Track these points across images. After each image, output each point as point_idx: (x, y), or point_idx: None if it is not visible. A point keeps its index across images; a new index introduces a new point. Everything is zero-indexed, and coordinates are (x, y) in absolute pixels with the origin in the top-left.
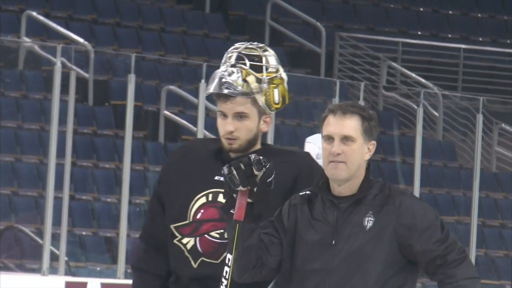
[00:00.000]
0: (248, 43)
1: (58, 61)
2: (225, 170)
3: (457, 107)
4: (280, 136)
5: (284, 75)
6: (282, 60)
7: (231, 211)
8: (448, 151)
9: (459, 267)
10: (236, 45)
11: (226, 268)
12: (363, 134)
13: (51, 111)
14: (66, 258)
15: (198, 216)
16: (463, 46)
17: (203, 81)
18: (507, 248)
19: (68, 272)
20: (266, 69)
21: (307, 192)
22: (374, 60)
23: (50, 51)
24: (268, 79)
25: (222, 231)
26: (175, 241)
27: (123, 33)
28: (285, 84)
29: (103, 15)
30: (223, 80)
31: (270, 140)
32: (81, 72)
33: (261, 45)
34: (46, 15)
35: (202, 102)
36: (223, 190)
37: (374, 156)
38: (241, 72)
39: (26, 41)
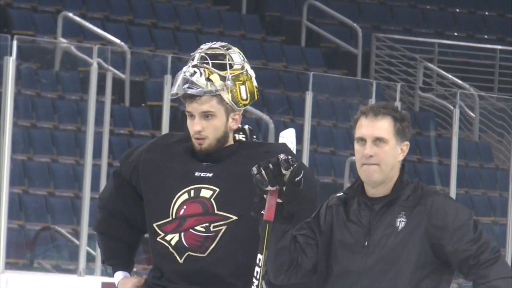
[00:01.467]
0: (212, 43)
1: (94, 62)
2: (254, 170)
3: (493, 108)
4: (316, 137)
5: (251, 72)
6: (318, 61)
7: (262, 212)
8: (484, 152)
9: (492, 267)
10: (201, 46)
11: (257, 268)
12: (396, 135)
13: (87, 112)
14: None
15: (181, 212)
16: (499, 47)
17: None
18: None
19: (105, 273)
20: (230, 67)
21: (344, 194)
22: (410, 61)
23: (87, 52)
24: (233, 76)
25: (207, 224)
26: (158, 239)
27: (159, 34)
28: (253, 80)
29: (139, 16)
30: (186, 80)
31: (306, 141)
32: (118, 73)
33: (224, 43)
34: (83, 16)
35: (167, 99)
36: (204, 186)
37: (410, 157)
38: (204, 71)
39: (63, 42)
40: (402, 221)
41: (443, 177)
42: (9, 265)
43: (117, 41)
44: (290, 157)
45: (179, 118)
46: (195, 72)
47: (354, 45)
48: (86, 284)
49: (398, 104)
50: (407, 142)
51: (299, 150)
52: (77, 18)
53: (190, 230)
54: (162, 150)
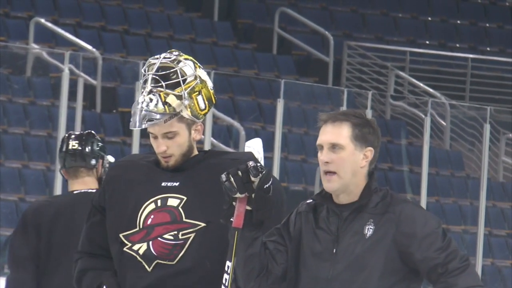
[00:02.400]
0: (162, 57)
1: (66, 68)
2: (223, 177)
3: (464, 117)
4: (287, 144)
5: (204, 76)
6: (290, 69)
7: (231, 219)
8: (455, 161)
9: (461, 276)
10: (150, 61)
11: (226, 276)
12: (354, 140)
13: (58, 117)
14: None
15: (149, 221)
16: (471, 56)
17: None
18: None
19: None
20: (184, 82)
21: (313, 201)
22: (382, 69)
23: (58, 58)
24: (189, 90)
25: (175, 232)
26: (125, 249)
27: (131, 40)
28: (208, 84)
29: (111, 22)
30: (143, 113)
31: (277, 148)
32: (89, 79)
33: (174, 56)
34: (55, 22)
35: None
36: (171, 195)
37: (381, 165)
38: (160, 95)
39: (34, 47)
40: (370, 228)
41: (414, 185)
42: None
43: (89, 47)
44: (259, 164)
45: None
46: (151, 100)
47: (326, 53)
48: None
49: (369, 112)
50: (371, 148)
51: (270, 158)
52: (49, 24)
53: (159, 238)
54: (126, 165)
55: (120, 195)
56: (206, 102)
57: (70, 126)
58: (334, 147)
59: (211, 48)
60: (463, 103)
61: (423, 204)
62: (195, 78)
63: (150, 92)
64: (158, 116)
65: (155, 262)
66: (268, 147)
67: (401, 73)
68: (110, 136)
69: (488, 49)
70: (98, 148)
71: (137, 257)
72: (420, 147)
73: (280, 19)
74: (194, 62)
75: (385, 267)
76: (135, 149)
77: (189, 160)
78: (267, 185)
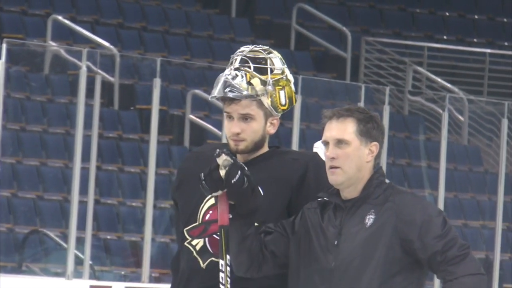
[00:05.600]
0: (253, 46)
1: (83, 65)
2: (201, 177)
3: (482, 112)
4: (305, 141)
5: (290, 77)
6: (308, 64)
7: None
8: (473, 156)
9: (460, 264)
10: (241, 48)
11: (221, 274)
12: (359, 136)
13: (76, 115)
14: (90, 262)
15: (207, 217)
16: (488, 50)
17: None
18: None
19: (93, 276)
20: (271, 71)
21: (320, 198)
22: (399, 64)
23: (76, 55)
24: (273, 81)
25: None
26: (185, 243)
27: (149, 37)
28: (292, 86)
29: (129, 19)
30: (228, 83)
31: (295, 144)
32: (107, 76)
33: (265, 47)
34: (72, 19)
35: (156, 102)
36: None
37: (399, 161)
38: (246, 75)
39: (52, 45)
40: (371, 217)
41: (432, 181)
42: None
43: (107, 44)
44: (225, 158)
45: (168, 121)
46: (236, 75)
47: (344, 49)
48: (74, 287)
49: (387, 107)
50: (376, 143)
51: None
52: (67, 21)
53: (214, 235)
54: (197, 157)
55: (187, 188)
56: (287, 100)
57: (88, 123)
58: (340, 142)
59: (229, 45)
60: (481, 98)
61: (441, 199)
62: (282, 72)
63: (238, 69)
64: (239, 92)
65: (210, 259)
66: (285, 143)
67: (419, 68)
68: (127, 133)
69: (506, 43)
70: None
71: (194, 252)
72: (438, 143)
73: (297, 15)
74: (282, 60)
75: (386, 256)
76: (153, 146)
77: (257, 157)
78: (234, 180)
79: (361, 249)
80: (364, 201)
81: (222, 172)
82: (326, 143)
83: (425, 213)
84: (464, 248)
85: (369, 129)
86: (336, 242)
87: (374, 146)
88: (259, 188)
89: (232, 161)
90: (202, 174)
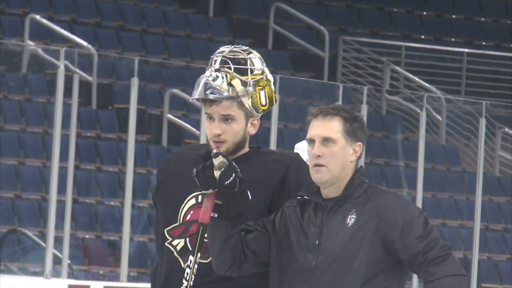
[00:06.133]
0: (233, 46)
1: (61, 65)
2: (193, 172)
3: (460, 111)
4: (283, 140)
5: (270, 77)
6: (285, 64)
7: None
8: (451, 155)
9: (441, 265)
10: (221, 48)
11: (187, 270)
12: (345, 135)
13: (54, 114)
14: (69, 261)
15: (188, 217)
16: (466, 50)
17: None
18: (510, 252)
19: (71, 276)
20: (251, 72)
21: (301, 197)
22: (377, 64)
23: (54, 55)
24: (254, 81)
25: None
26: (166, 243)
27: (126, 36)
28: (272, 86)
29: (106, 18)
30: (208, 85)
31: (273, 144)
32: (85, 75)
33: (245, 47)
34: (50, 19)
35: (134, 101)
36: None
37: (377, 160)
38: (226, 76)
39: (30, 44)
40: (352, 217)
41: (410, 180)
42: None
43: (84, 43)
44: (223, 157)
45: (146, 120)
46: (217, 77)
47: (321, 48)
48: (52, 287)
49: (365, 107)
50: (360, 143)
51: None
52: (44, 21)
53: (195, 235)
54: (177, 158)
55: (167, 188)
56: (267, 100)
57: (65, 123)
58: (326, 141)
59: (207, 44)
60: (458, 97)
61: (419, 198)
62: (262, 73)
63: (218, 70)
64: (220, 94)
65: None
66: (263, 142)
67: (397, 67)
68: (106, 132)
69: (484, 43)
70: None
71: (174, 252)
72: (416, 142)
73: (275, 14)
74: (262, 60)
75: (368, 256)
76: (131, 146)
77: (238, 158)
78: (228, 182)
79: (343, 248)
80: (346, 200)
81: (216, 173)
82: (311, 141)
83: (407, 214)
84: (446, 248)
85: (354, 129)
86: (317, 242)
87: (358, 146)
88: (248, 192)
89: (227, 163)
90: (195, 169)
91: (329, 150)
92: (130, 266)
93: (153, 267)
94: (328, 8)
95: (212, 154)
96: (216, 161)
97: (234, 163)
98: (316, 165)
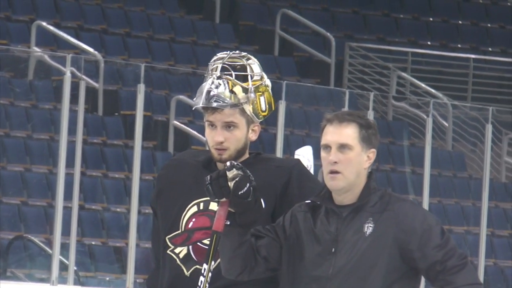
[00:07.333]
0: (231, 52)
1: (67, 71)
2: (207, 180)
3: (466, 117)
4: (289, 146)
5: (268, 82)
6: (291, 70)
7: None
8: (457, 161)
9: (459, 274)
10: (219, 55)
11: (201, 278)
12: (361, 142)
13: (60, 121)
14: (75, 268)
15: (190, 225)
16: (472, 56)
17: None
18: None
19: (77, 282)
20: (251, 78)
21: (311, 201)
22: (383, 70)
23: (60, 61)
24: (254, 87)
25: None
26: (168, 251)
27: (133, 43)
28: (270, 91)
29: (113, 25)
30: (211, 93)
31: (279, 150)
32: (91, 82)
33: (243, 53)
34: (56, 25)
35: (140, 108)
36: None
37: (383, 166)
38: (228, 83)
39: (36, 51)
40: (370, 226)
41: (416, 186)
42: None
43: (91, 50)
44: (237, 170)
45: (152, 127)
46: (219, 84)
47: (327, 54)
48: None
49: (371, 113)
50: (374, 150)
51: None
52: (51, 27)
53: (198, 243)
54: (176, 164)
55: (167, 196)
56: (267, 106)
57: (72, 129)
58: (342, 147)
59: (213, 50)
60: (465, 103)
61: (425, 205)
62: (261, 78)
63: (220, 77)
64: (222, 102)
65: (194, 267)
66: (269, 149)
67: (403, 74)
68: (112, 139)
69: (490, 49)
70: None
71: (177, 260)
72: (422, 148)
73: (281, 20)
74: (260, 66)
75: (386, 265)
76: (137, 152)
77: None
78: (242, 192)
79: (362, 257)
80: (361, 208)
81: (231, 182)
82: (326, 147)
83: (425, 223)
84: (463, 257)
85: (370, 135)
86: (333, 250)
87: (372, 153)
88: (262, 200)
89: (242, 174)
90: (209, 177)
91: (345, 156)
92: (136, 272)
93: (149, 275)
94: (334, 14)
95: (226, 167)
96: (230, 174)
97: (249, 172)
98: (332, 172)
